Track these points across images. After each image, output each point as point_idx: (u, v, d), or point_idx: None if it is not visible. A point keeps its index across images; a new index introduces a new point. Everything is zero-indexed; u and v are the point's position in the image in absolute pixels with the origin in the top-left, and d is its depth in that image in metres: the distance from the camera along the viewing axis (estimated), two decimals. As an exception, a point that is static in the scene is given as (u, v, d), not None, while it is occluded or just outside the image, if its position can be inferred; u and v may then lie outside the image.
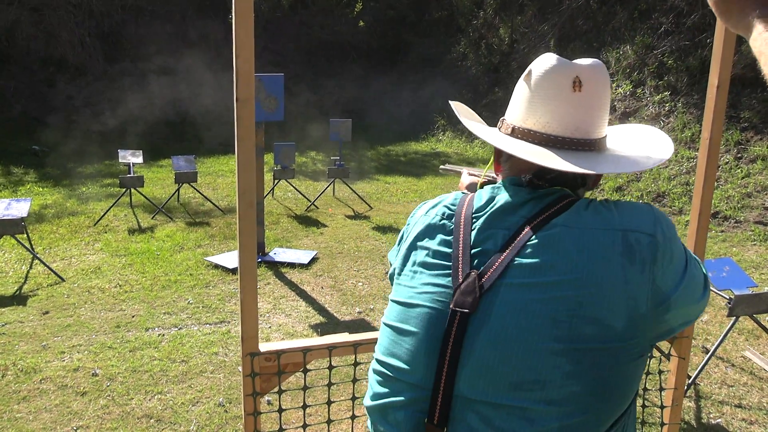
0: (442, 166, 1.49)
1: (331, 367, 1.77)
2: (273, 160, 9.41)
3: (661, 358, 3.56)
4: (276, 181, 9.39)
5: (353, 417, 1.76)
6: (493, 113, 14.86)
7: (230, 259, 6.47)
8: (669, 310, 1.03)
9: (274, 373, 1.70)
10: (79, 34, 15.78)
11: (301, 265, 6.43)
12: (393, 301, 1.19)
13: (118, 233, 7.53)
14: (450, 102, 1.34)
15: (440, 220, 1.18)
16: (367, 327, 5.01)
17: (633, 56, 11.34)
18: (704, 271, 1.12)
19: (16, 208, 6.00)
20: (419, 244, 1.18)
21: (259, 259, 6.46)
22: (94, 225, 7.80)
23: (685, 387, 3.91)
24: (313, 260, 6.64)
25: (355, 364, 1.77)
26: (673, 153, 1.20)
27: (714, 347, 4.04)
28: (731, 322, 4.06)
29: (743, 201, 7.68)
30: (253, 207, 1.55)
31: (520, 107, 1.20)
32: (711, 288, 4.32)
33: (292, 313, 5.27)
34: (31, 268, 6.21)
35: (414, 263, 1.17)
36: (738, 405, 3.85)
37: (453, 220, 1.16)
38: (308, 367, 1.77)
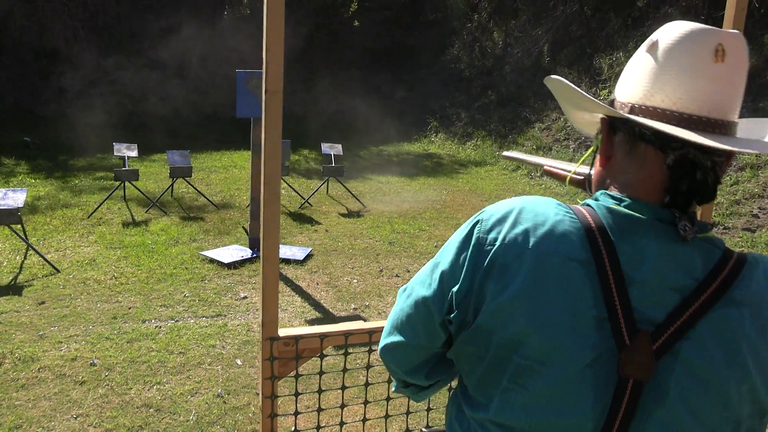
0: (505, 152, 1.23)
1: (347, 353, 1.82)
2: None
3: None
4: (270, 178, 9.40)
5: (366, 402, 1.82)
6: (485, 116, 14.97)
7: (225, 253, 6.50)
8: None
9: (291, 357, 1.75)
10: (72, 27, 15.72)
11: (297, 261, 6.47)
12: (503, 352, 0.95)
13: (112, 226, 7.53)
14: (553, 77, 1.06)
15: (571, 266, 0.93)
16: (363, 323, 5.06)
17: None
18: None
19: (12, 198, 6.00)
20: (550, 297, 0.92)
21: (254, 255, 6.50)
22: (88, 217, 7.80)
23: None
24: (308, 257, 6.68)
25: (370, 351, 1.82)
26: None
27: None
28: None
29: (732, 208, 7.81)
30: (277, 196, 1.60)
31: (641, 82, 0.98)
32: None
33: (288, 308, 5.31)
34: (25, 258, 6.21)
35: (540, 317, 0.93)
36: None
37: (593, 268, 0.92)
38: (324, 353, 1.82)
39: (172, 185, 9.07)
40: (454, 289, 0.99)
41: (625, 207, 0.95)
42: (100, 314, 5.01)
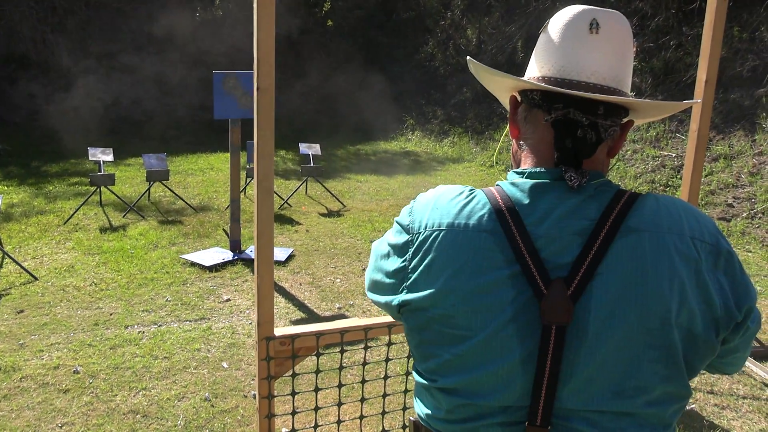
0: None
1: (342, 351, 1.81)
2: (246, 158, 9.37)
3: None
4: (249, 180, 9.35)
5: (363, 399, 1.81)
6: (461, 113, 15.02)
7: (206, 256, 6.44)
8: (732, 321, 1.03)
9: (288, 357, 1.74)
10: (41, 31, 15.46)
11: (278, 263, 6.44)
12: (442, 321, 1.06)
13: (89, 232, 7.42)
14: (468, 59, 1.22)
15: (479, 234, 1.05)
16: (348, 322, 5.05)
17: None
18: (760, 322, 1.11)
19: (-13, 205, 5.88)
20: (465, 265, 1.03)
21: (236, 257, 6.45)
22: (64, 223, 7.68)
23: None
24: (290, 257, 6.65)
25: (366, 347, 1.82)
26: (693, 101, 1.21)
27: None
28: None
29: (707, 198, 7.93)
30: (271, 194, 1.59)
31: (536, 58, 1.12)
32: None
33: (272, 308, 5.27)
34: (1, 267, 6.10)
35: (466, 285, 1.03)
36: (710, 391, 4.00)
37: (500, 231, 1.04)
38: (320, 351, 1.81)
39: (149, 189, 8.96)
40: (394, 271, 1.13)
41: (527, 178, 1.08)
42: (81, 321, 4.93)
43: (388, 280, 1.13)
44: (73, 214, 7.91)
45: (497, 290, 1.02)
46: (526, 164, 1.12)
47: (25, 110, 14.70)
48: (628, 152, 9.64)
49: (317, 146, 9.77)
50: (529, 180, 1.07)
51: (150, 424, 3.58)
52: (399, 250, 1.12)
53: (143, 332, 4.76)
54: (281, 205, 8.96)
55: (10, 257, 5.99)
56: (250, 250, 6.69)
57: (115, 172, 9.18)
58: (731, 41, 9.68)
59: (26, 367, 4.17)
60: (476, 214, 1.06)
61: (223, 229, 7.29)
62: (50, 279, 5.83)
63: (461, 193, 1.11)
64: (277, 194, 9.39)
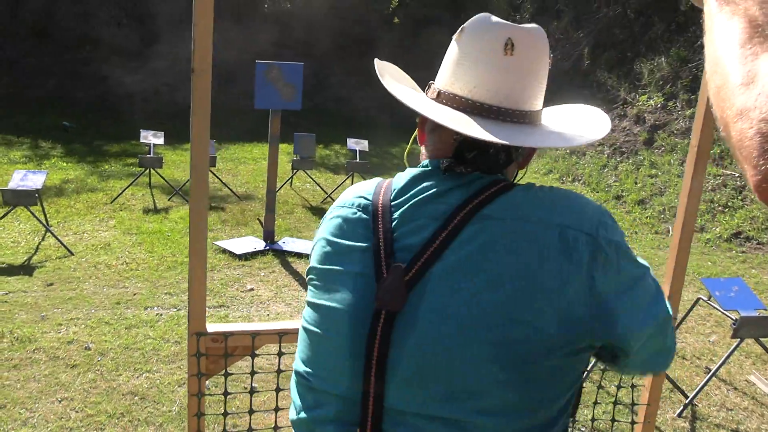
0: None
1: (280, 353, 1.73)
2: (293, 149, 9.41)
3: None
4: (294, 171, 9.38)
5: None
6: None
7: (238, 244, 6.48)
8: (616, 322, 0.92)
9: (221, 355, 1.67)
10: (116, 15, 16.00)
11: (309, 256, 6.40)
12: (309, 303, 1.08)
13: (133, 212, 7.59)
14: (376, 60, 1.16)
15: (355, 212, 1.06)
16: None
17: (667, 68, 11.10)
18: (668, 309, 1.00)
19: (32, 179, 6.08)
20: (333, 239, 1.06)
21: (267, 247, 6.46)
22: (111, 202, 7.89)
23: (682, 407, 3.80)
24: (321, 252, 6.62)
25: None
26: (607, 133, 1.09)
27: (715, 368, 3.92)
28: (735, 343, 3.93)
29: None
30: (205, 182, 1.52)
31: (447, 69, 1.08)
32: (716, 307, 4.18)
33: (293, 302, 5.25)
34: (42, 240, 6.29)
35: (328, 261, 1.05)
36: (735, 429, 3.72)
37: (370, 210, 1.04)
38: (260, 353, 1.73)
39: (196, 174, 9.12)
40: None
41: (421, 167, 1.06)
42: (104, 299, 5.02)
43: None
44: (120, 194, 8.11)
45: (348, 260, 1.02)
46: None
47: (96, 91, 15.23)
48: (689, 168, 9.18)
49: (365, 142, 9.72)
50: (418, 168, 1.07)
51: (145, 407, 3.59)
52: None
53: (161, 315, 4.81)
54: (324, 199, 8.95)
55: (50, 231, 6.18)
56: (283, 242, 6.69)
57: (168, 156, 9.38)
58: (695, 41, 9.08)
59: (42, 340, 4.26)
60: (362, 194, 1.08)
61: (258, 219, 7.32)
62: (85, 255, 5.97)
63: (374, 179, 1.14)
64: (320, 188, 9.39)
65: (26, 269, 5.52)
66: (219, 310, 4.98)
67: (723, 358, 3.94)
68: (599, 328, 0.93)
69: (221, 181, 9.16)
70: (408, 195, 1.02)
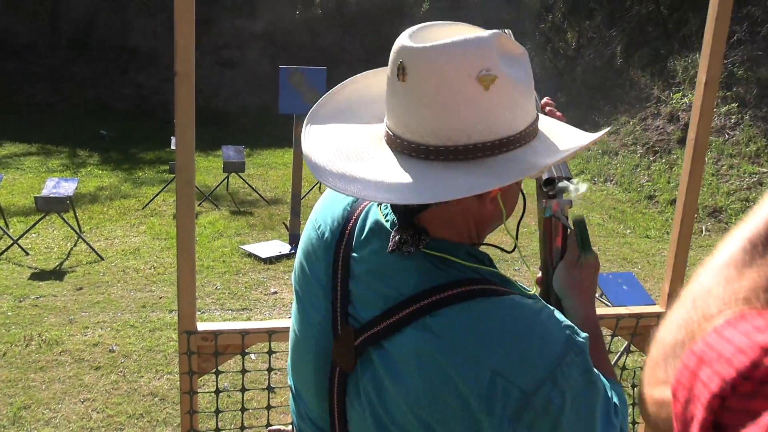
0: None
1: (270, 352, 1.74)
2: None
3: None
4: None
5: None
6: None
7: (265, 248, 6.54)
8: None
9: (211, 353, 1.69)
10: (152, 25, 16.35)
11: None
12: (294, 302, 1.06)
13: (163, 217, 7.73)
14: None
15: (324, 234, 1.00)
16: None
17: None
18: None
19: (64, 187, 6.25)
20: (303, 262, 1.02)
21: (293, 250, 6.51)
22: (143, 208, 8.05)
23: None
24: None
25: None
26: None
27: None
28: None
29: None
30: (191, 184, 1.54)
31: None
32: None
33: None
34: (75, 245, 6.45)
35: (299, 284, 1.03)
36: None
37: (336, 239, 0.97)
38: (252, 350, 1.75)
39: (226, 179, 9.24)
40: None
41: (384, 212, 0.95)
42: (131, 302, 5.12)
43: None
44: (151, 200, 8.27)
45: (312, 297, 0.99)
46: None
47: (132, 99, 15.58)
48: (724, 167, 8.97)
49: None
50: (379, 218, 0.95)
51: (164, 408, 3.65)
52: None
53: (185, 317, 4.88)
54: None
55: (81, 237, 6.33)
56: (308, 245, 6.72)
57: (200, 162, 9.52)
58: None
59: (68, 342, 4.37)
60: (338, 216, 1.00)
61: (284, 223, 7.38)
62: (115, 260, 6.11)
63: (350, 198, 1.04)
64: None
65: (57, 274, 5.67)
66: (242, 313, 5.04)
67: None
68: None
69: (250, 185, 9.26)
70: (365, 253, 0.93)
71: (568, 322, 0.88)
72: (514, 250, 1.03)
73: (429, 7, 18.35)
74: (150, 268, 5.94)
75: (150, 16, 16.43)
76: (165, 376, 4.00)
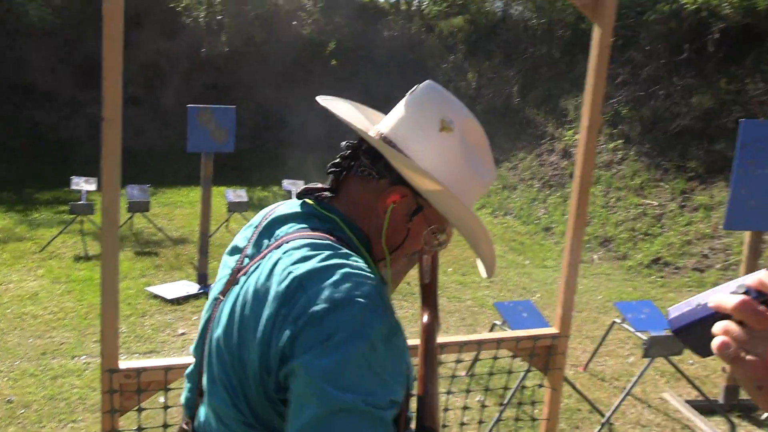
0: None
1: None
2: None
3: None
4: (230, 214, 9.37)
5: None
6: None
7: (171, 289, 6.42)
8: (293, 377, 0.91)
9: (134, 390, 1.71)
10: (50, 61, 15.76)
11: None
12: None
13: (63, 260, 7.44)
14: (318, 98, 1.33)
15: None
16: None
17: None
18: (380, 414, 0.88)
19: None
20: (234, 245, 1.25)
21: (201, 290, 6.43)
22: (41, 251, 7.71)
23: (600, 426, 3.95)
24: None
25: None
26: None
27: (629, 387, 4.10)
28: (647, 363, 4.13)
29: (684, 248, 7.86)
30: (116, 224, 1.58)
31: None
32: (629, 329, 4.38)
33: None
34: (-34, 292, 6.10)
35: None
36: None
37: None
38: (173, 387, 1.78)
39: (129, 219, 9.00)
40: None
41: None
42: (29, 350, 4.91)
43: None
44: (49, 243, 7.95)
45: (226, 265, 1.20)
46: None
47: (27, 137, 14.90)
48: (612, 199, 9.60)
49: (302, 182, 9.80)
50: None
51: (69, 458, 3.52)
52: None
53: (89, 363, 4.73)
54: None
55: (-26, 282, 6.00)
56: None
57: (95, 202, 9.23)
58: (719, 93, 9.71)
59: (-39, 394, 4.14)
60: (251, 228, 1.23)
61: (192, 263, 7.27)
62: (10, 306, 5.83)
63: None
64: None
65: (-53, 323, 5.35)
66: (149, 356, 4.92)
67: (635, 378, 4.13)
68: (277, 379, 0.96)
69: (154, 225, 9.06)
70: (275, 215, 1.19)
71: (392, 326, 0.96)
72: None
73: (336, 46, 18.70)
74: (49, 314, 5.70)
75: (49, 50, 15.85)
76: (69, 425, 3.86)
